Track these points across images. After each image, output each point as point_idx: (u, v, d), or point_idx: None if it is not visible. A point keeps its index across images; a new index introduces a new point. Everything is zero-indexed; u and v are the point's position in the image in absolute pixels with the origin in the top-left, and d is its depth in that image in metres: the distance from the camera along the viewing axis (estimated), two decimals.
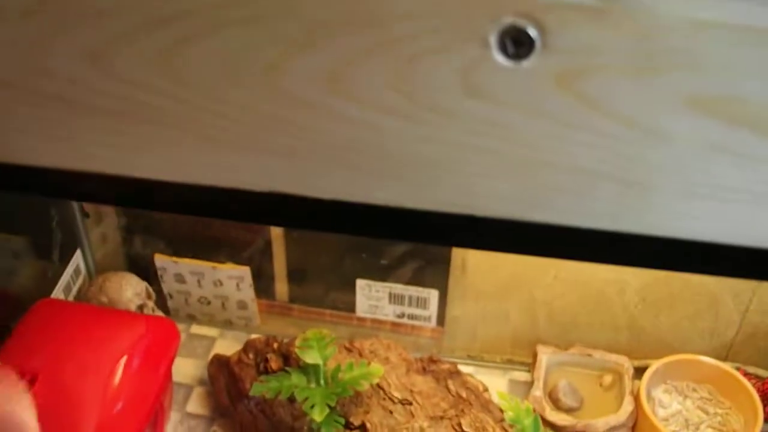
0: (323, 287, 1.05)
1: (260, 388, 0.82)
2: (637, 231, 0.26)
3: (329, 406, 0.81)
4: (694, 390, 1.00)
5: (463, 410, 0.87)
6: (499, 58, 0.24)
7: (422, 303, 1.02)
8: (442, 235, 0.27)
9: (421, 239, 0.29)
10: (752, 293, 0.97)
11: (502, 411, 0.89)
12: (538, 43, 0.24)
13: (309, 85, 0.23)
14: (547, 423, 0.94)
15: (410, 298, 1.02)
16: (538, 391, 0.96)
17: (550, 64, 0.24)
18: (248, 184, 0.25)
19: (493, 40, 0.24)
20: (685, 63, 0.24)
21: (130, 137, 0.28)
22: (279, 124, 0.24)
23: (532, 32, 0.24)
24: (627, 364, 0.99)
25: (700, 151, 0.25)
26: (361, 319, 1.05)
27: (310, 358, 0.84)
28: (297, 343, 0.87)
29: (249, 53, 0.23)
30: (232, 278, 1.04)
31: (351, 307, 1.05)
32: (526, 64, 0.24)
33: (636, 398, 0.96)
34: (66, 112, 0.28)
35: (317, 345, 0.85)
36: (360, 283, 1.01)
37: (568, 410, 0.97)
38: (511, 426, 0.87)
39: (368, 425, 0.84)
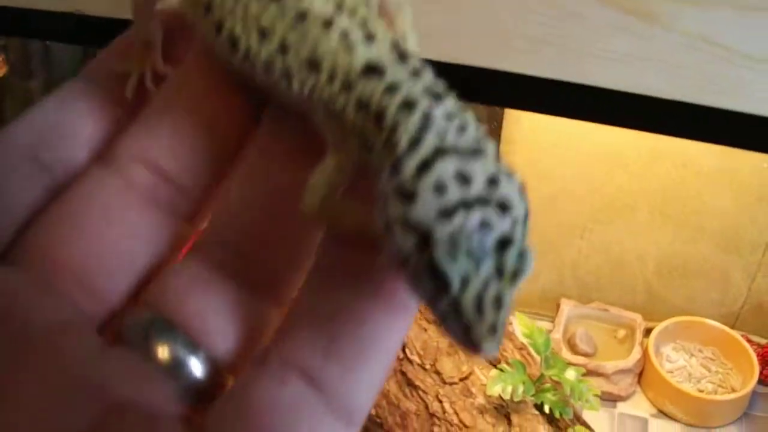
0: None
1: None
2: (564, 78, 0.44)
3: None
4: (700, 351, 1.15)
5: None
6: None
7: None
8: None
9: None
10: (757, 268, 1.11)
11: (522, 343, 1.05)
12: None
13: None
14: None
15: None
16: (557, 335, 1.12)
17: None
18: None
19: None
20: None
21: None
22: None
23: None
24: (640, 321, 1.15)
25: (604, 28, 0.43)
26: None
27: None
28: None
29: None
30: None
31: None
32: None
33: (645, 349, 1.11)
34: None
35: None
36: None
37: (584, 355, 1.12)
38: (529, 353, 1.03)
39: (404, 338, 1.02)
